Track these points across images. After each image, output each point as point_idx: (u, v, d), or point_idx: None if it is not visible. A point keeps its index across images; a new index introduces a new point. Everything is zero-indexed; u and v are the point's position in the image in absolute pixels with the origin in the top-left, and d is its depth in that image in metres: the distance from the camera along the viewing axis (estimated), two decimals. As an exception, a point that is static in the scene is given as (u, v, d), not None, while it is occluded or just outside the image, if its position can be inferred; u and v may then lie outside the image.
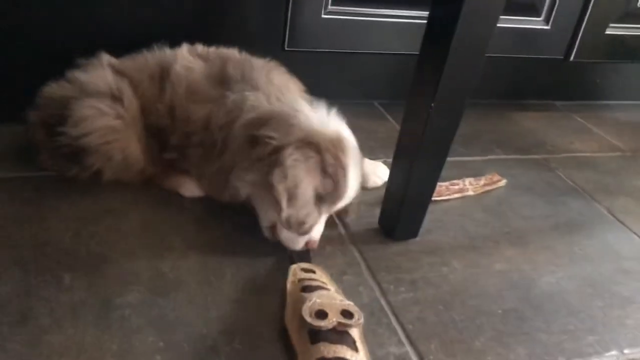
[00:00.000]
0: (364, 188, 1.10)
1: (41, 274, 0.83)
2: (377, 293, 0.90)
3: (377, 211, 1.07)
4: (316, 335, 0.72)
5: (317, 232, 0.94)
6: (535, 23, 1.54)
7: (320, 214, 0.92)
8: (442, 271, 0.97)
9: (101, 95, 1.01)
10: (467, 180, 1.23)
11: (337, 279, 0.91)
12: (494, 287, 0.96)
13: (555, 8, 1.51)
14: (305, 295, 0.79)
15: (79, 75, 1.04)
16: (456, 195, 1.19)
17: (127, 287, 0.84)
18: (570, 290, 0.97)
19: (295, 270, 0.89)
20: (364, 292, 0.90)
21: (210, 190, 1.03)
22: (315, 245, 0.94)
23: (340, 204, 0.95)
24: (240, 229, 0.99)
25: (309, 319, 0.73)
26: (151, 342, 0.75)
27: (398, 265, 0.97)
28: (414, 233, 1.04)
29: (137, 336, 0.76)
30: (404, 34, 1.45)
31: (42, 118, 1.04)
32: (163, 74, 1.04)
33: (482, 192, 1.23)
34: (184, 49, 1.08)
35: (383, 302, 0.88)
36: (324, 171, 0.89)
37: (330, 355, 0.70)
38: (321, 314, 0.74)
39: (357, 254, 0.98)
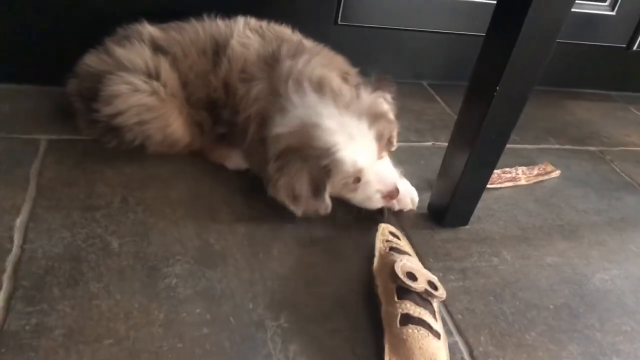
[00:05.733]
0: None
1: (90, 238, 0.83)
2: (426, 279, 0.88)
3: (427, 196, 1.04)
4: (404, 293, 0.76)
5: (390, 181, 0.93)
6: (600, 8, 1.47)
7: (327, 196, 0.91)
8: (492, 261, 0.94)
9: (136, 71, 0.99)
10: (520, 169, 1.19)
11: (384, 262, 0.89)
12: (546, 280, 0.93)
13: (622, -7, 1.44)
14: (395, 254, 0.83)
15: (116, 50, 1.02)
16: (508, 184, 1.15)
17: (174, 257, 0.83)
18: (625, 290, 0.94)
19: (385, 231, 0.92)
20: (411, 277, 0.88)
21: (252, 166, 1.03)
22: (397, 192, 0.94)
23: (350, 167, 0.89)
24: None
25: (401, 277, 0.76)
26: (198, 313, 0.75)
27: (447, 253, 0.94)
28: (464, 221, 1.01)
29: (184, 306, 0.75)
30: (461, 13, 1.40)
31: (79, 89, 1.03)
32: (218, 48, 1.01)
33: (535, 182, 1.19)
34: (240, 23, 1.05)
35: (432, 289, 0.86)
36: (308, 162, 0.88)
37: (416, 315, 0.73)
38: (411, 276, 0.77)
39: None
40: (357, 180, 0.92)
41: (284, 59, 0.97)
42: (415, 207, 1.03)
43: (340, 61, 1.06)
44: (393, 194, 0.94)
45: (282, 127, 0.90)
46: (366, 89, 0.95)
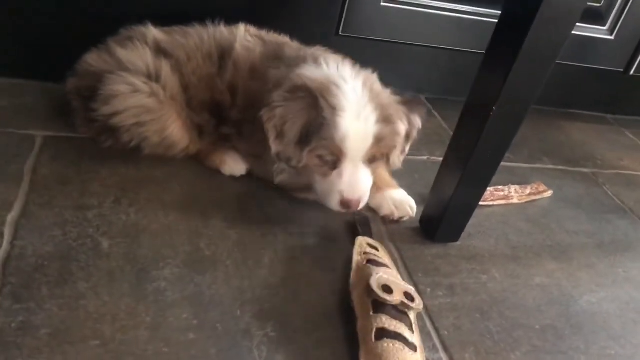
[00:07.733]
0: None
1: (81, 238, 0.83)
2: (414, 294, 0.88)
3: (419, 210, 1.04)
4: (379, 307, 0.75)
5: (357, 191, 0.91)
6: (599, 32, 1.49)
7: (307, 152, 0.90)
8: (481, 279, 0.95)
9: (136, 72, 0.99)
10: (513, 188, 1.20)
11: (374, 274, 0.90)
12: (533, 300, 0.93)
13: (622, 19, 1.45)
14: (372, 267, 0.82)
15: (118, 50, 1.02)
16: (500, 202, 1.16)
17: (164, 260, 0.83)
18: (611, 313, 0.94)
19: (362, 243, 0.91)
20: (400, 291, 0.88)
21: (258, 170, 1.04)
22: (355, 206, 0.91)
23: (341, 147, 0.89)
24: (280, 212, 0.98)
25: (377, 290, 0.76)
26: (185, 318, 0.75)
27: (437, 268, 0.95)
28: (455, 237, 1.01)
29: (172, 311, 0.75)
30: (462, 29, 1.41)
31: (78, 87, 1.03)
32: (223, 53, 1.03)
33: (527, 202, 1.20)
34: (242, 30, 1.07)
35: (419, 304, 0.86)
36: (314, 109, 0.88)
37: (392, 328, 0.73)
38: (387, 289, 0.77)
39: (395, 252, 0.96)
40: (334, 166, 0.91)
41: (291, 55, 1.00)
42: (414, 214, 1.03)
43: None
44: (352, 205, 0.91)
45: (307, 71, 0.92)
46: (394, 96, 0.96)
